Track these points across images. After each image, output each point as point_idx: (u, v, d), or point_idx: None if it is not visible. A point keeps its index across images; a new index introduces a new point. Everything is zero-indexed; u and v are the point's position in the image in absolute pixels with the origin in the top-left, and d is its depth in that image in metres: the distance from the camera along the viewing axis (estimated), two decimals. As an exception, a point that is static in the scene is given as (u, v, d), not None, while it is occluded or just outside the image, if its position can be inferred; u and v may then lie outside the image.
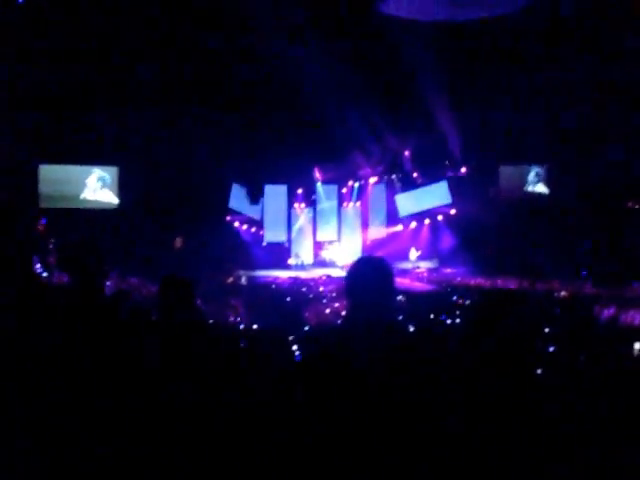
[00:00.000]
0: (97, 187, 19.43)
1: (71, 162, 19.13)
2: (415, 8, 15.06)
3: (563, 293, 13.35)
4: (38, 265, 8.90)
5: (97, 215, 18.63)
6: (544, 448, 2.20)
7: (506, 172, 21.36)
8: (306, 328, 9.74)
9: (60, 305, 2.86)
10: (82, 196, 19.34)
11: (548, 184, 20.88)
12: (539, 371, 5.39)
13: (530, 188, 21.16)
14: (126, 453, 2.21)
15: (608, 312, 9.35)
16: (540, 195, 20.99)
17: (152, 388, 2.37)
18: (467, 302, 12.33)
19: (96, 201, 19.38)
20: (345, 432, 2.01)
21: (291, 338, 7.13)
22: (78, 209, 18.97)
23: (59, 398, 2.29)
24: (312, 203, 22.31)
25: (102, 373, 2.42)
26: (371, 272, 2.31)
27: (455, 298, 12.76)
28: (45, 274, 8.93)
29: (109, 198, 19.49)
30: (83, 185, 19.38)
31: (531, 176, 21.11)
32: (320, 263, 21.52)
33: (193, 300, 3.39)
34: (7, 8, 13.45)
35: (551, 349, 6.70)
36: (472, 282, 16.87)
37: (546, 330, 7.90)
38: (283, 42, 16.10)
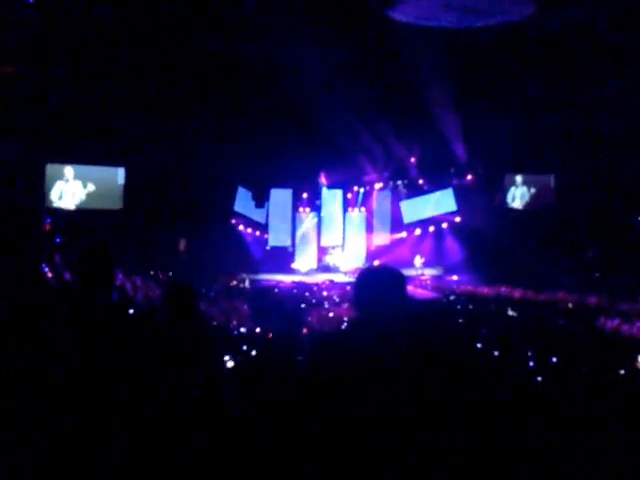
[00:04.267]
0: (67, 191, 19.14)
1: (78, 162, 19.13)
2: (423, 14, 15.09)
3: (569, 305, 13.33)
4: (44, 264, 8.94)
5: (103, 215, 18.63)
6: (544, 456, 2.20)
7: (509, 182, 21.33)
8: (306, 332, 9.74)
9: (66, 305, 2.87)
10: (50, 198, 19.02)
11: (551, 195, 20.79)
12: (539, 379, 5.39)
13: (510, 203, 21.11)
14: (126, 452, 2.22)
15: (612, 323, 9.34)
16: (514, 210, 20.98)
17: (154, 393, 2.37)
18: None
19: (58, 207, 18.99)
20: (349, 439, 2.01)
21: (294, 343, 7.14)
22: (86, 209, 18.94)
23: (60, 399, 2.30)
24: (317, 208, 22.30)
25: (104, 375, 2.43)
26: (381, 283, 2.23)
27: (459, 307, 12.75)
28: (50, 274, 8.96)
29: (68, 204, 19.14)
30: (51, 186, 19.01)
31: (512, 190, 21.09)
32: (324, 268, 21.49)
33: (196, 306, 3.41)
34: (17, 8, 13.52)
35: (554, 360, 6.70)
36: (476, 290, 16.85)
37: (548, 341, 7.90)
38: (291, 48, 16.13)
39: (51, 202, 18.86)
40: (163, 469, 2.24)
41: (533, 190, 20.99)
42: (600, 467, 2.19)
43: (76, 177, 19.14)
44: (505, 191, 21.19)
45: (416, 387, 2.04)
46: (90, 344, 2.45)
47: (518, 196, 21.14)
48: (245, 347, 6.16)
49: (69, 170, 19.07)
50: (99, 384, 2.33)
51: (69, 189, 19.12)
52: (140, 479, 2.23)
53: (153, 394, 2.15)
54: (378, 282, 2.25)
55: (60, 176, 19.04)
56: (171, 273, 16.03)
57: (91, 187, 19.18)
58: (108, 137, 18.37)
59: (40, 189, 18.42)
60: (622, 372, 5.60)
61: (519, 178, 21.10)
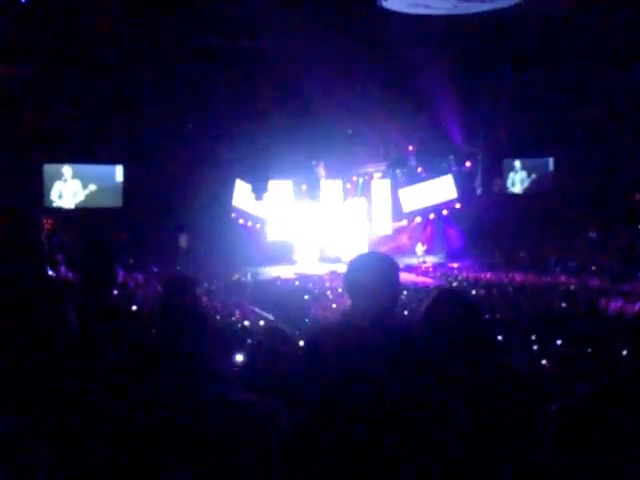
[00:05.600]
0: (67, 190, 19.11)
1: (76, 161, 19.08)
2: (417, 3, 15.05)
3: (571, 287, 13.34)
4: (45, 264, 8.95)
5: (104, 212, 18.58)
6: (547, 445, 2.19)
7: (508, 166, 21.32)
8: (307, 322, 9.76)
9: (70, 302, 2.86)
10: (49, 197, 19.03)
11: (550, 179, 20.74)
12: (544, 362, 5.39)
13: (510, 188, 21.14)
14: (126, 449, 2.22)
15: (615, 304, 9.34)
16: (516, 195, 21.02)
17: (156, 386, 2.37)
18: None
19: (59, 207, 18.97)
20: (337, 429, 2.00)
21: (297, 333, 7.15)
22: (86, 208, 18.91)
23: (61, 394, 2.30)
24: (317, 199, 22.24)
25: (108, 370, 2.43)
26: (371, 270, 2.19)
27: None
28: (51, 272, 8.96)
29: (68, 204, 19.22)
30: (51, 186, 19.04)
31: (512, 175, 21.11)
32: (325, 259, 21.46)
33: (196, 298, 3.40)
34: (11, 9, 13.51)
35: (559, 342, 6.70)
36: (478, 276, 16.84)
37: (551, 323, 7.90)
38: (288, 39, 16.10)
39: (51, 202, 18.83)
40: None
41: (532, 174, 20.98)
42: (605, 452, 2.17)
43: (74, 176, 19.12)
44: (504, 176, 21.18)
45: (406, 373, 2.03)
46: (90, 339, 2.46)
47: (518, 181, 21.13)
48: (249, 340, 6.17)
49: (67, 170, 19.05)
50: (98, 379, 2.34)
51: (68, 188, 19.10)
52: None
53: (148, 388, 2.16)
54: (367, 270, 2.19)
55: (59, 176, 19.03)
56: (172, 268, 15.98)
57: (90, 186, 19.17)
58: (105, 136, 18.35)
59: (38, 189, 18.37)
60: (625, 353, 5.58)
61: (518, 163, 21.09)
